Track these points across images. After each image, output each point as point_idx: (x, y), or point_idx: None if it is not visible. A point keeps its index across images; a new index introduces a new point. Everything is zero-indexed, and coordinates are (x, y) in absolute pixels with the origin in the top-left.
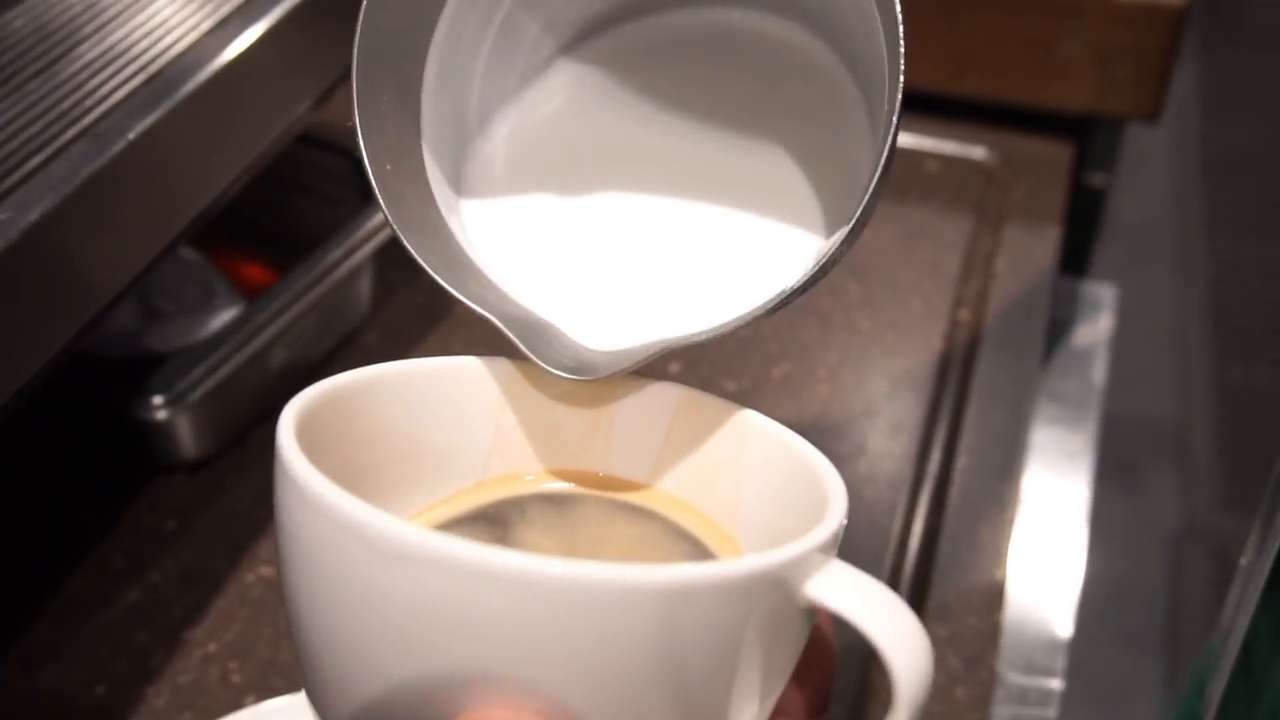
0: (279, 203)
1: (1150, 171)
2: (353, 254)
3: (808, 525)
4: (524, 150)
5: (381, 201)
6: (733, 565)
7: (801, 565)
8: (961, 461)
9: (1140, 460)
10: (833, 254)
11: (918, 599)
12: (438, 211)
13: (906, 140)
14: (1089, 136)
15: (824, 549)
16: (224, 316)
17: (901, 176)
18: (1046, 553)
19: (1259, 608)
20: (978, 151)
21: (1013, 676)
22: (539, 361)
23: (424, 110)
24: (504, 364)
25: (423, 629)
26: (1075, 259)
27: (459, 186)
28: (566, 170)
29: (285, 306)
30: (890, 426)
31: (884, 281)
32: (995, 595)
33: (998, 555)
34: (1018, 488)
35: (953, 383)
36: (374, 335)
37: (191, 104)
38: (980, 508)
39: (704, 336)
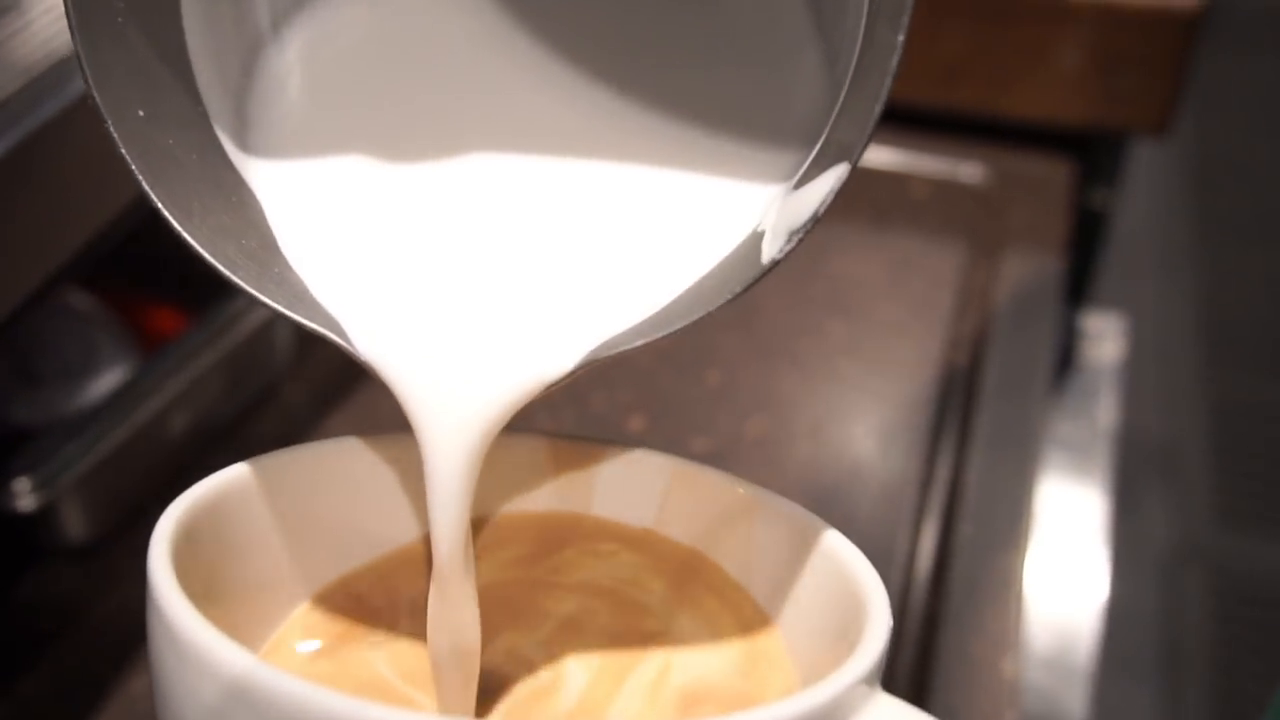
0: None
1: (1140, 181)
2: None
3: (831, 617)
4: (327, 69)
5: (134, 165)
6: (751, 716)
7: (842, 705)
8: (963, 530)
9: (1135, 480)
10: (825, 202)
11: (916, 701)
12: (233, 172)
13: (889, 160)
14: (1090, 152)
15: (869, 679)
16: (111, 378)
17: (885, 201)
18: (1062, 627)
19: None
20: (969, 171)
21: None
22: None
23: (187, 18)
24: None
25: None
26: (1077, 284)
27: (243, 129)
28: (389, 102)
29: (183, 364)
30: (880, 491)
31: (869, 322)
32: (1007, 692)
33: (1007, 643)
34: (1026, 558)
35: (950, 437)
36: (297, 391)
37: (54, 129)
38: (986, 586)
39: (633, 342)
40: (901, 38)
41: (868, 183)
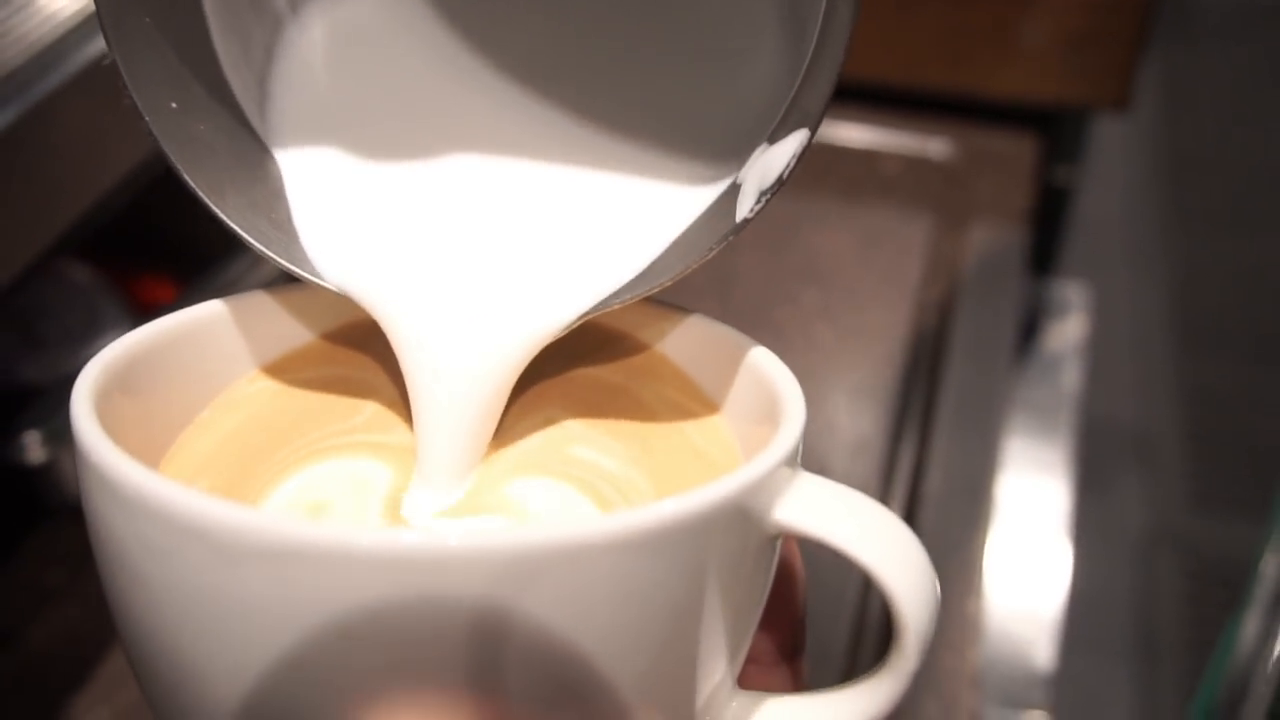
0: (187, 213)
1: (1109, 166)
2: (259, 265)
3: (751, 418)
4: (343, 47)
5: (171, 156)
6: (681, 503)
7: (768, 485)
8: (930, 482)
9: (1107, 464)
10: (790, 166)
11: (885, 638)
12: (258, 146)
13: (860, 137)
14: (1053, 129)
15: (789, 461)
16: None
17: (857, 176)
18: (1024, 575)
19: None
20: (936, 147)
21: (992, 712)
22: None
23: (210, 8)
24: None
25: (291, 640)
26: (1041, 257)
27: (266, 104)
28: (400, 80)
29: None
30: (852, 446)
31: (842, 290)
32: (970, 630)
33: (971, 585)
34: (990, 510)
35: (918, 396)
36: None
37: (54, 102)
38: (952, 533)
39: (623, 298)
40: (854, 10)
41: (840, 159)
